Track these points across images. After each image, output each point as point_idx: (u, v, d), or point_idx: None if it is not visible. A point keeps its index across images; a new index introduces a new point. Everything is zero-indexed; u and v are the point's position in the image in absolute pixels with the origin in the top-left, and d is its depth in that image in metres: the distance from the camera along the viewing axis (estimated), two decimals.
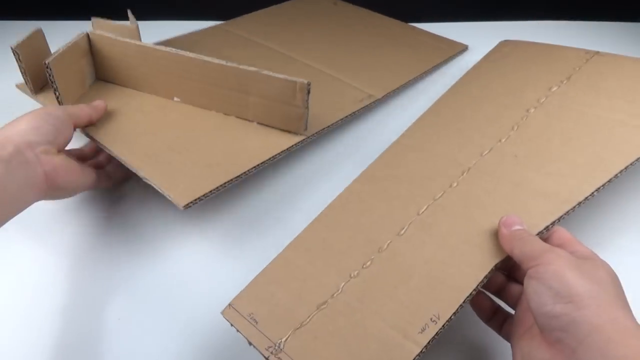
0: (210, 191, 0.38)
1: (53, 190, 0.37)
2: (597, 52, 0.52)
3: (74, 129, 0.41)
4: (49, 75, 0.43)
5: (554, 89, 0.48)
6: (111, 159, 0.44)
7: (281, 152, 0.43)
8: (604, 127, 0.42)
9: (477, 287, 0.32)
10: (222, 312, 0.34)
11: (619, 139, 0.41)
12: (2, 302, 0.38)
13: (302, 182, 0.48)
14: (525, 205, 0.37)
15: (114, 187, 0.47)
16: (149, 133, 0.44)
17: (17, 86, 0.51)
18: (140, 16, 0.56)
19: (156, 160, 0.41)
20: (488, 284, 0.35)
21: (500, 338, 0.33)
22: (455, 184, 0.40)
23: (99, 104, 0.45)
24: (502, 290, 0.35)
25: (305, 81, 0.42)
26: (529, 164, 0.41)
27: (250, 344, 0.32)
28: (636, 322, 0.26)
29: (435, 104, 0.51)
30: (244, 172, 0.41)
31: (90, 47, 0.48)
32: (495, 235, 0.35)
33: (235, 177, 0.40)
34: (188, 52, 0.45)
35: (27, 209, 0.35)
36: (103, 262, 0.41)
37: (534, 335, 0.28)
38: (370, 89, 0.57)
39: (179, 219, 0.44)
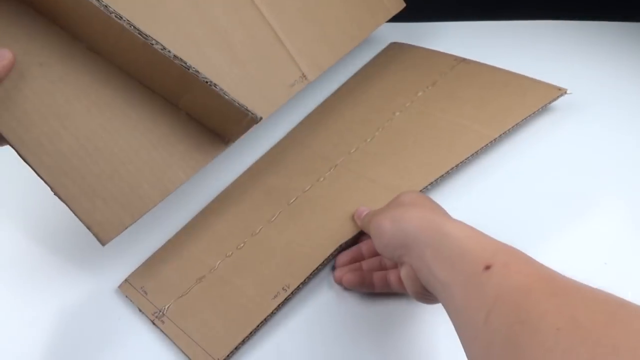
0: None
1: None
2: (464, 59, 0.61)
3: None
4: None
5: (420, 94, 0.57)
6: None
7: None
8: (450, 131, 0.51)
9: (323, 262, 0.41)
10: (119, 287, 0.42)
11: (458, 141, 0.50)
12: None
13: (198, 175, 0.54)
14: (376, 198, 0.46)
15: None
16: (58, 118, 0.39)
17: None
18: None
19: (71, 175, 0.38)
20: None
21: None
22: (322, 179, 0.49)
23: (4, 55, 0.35)
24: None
25: (258, 116, 0.42)
26: (385, 162, 0.49)
27: (140, 310, 0.40)
28: (432, 213, 0.33)
29: (322, 103, 0.59)
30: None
31: None
32: (343, 220, 0.44)
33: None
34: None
35: None
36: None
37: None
38: (306, 67, 0.52)
39: None
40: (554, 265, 0.39)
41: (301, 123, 0.57)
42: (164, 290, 0.41)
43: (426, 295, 0.32)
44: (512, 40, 0.67)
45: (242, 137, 0.44)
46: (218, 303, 0.40)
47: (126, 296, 0.41)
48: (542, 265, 0.27)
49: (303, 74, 0.52)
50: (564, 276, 0.25)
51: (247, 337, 0.38)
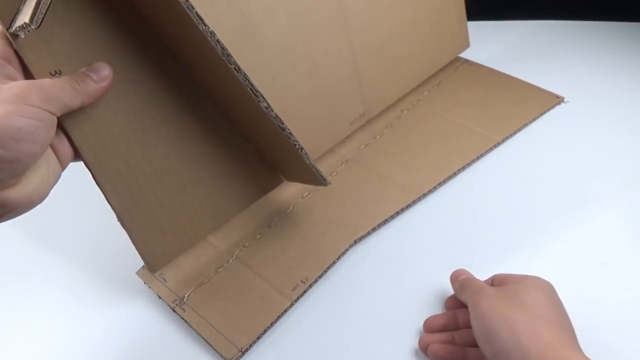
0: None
1: None
2: (467, 61, 0.63)
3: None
4: None
5: (426, 93, 0.59)
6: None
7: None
8: (456, 133, 0.53)
9: (338, 257, 0.43)
10: (137, 272, 0.42)
11: (464, 143, 0.52)
12: None
13: None
14: (388, 196, 0.48)
15: None
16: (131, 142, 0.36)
17: None
18: None
19: (140, 205, 0.37)
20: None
21: None
22: (334, 173, 0.50)
23: (101, 68, 0.32)
24: None
25: (328, 182, 0.41)
26: (395, 159, 0.51)
27: (159, 297, 0.41)
28: (560, 336, 0.30)
29: None
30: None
31: None
32: (357, 216, 0.45)
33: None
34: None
35: None
36: None
37: None
38: (369, 103, 0.52)
39: None
40: (554, 265, 0.42)
41: None
42: (183, 279, 0.42)
43: None
44: (513, 39, 0.69)
45: None
46: (238, 293, 0.41)
47: (144, 282, 0.42)
48: None
49: (364, 112, 0.52)
50: None
51: (267, 327, 0.39)
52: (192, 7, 0.30)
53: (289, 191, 0.48)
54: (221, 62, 0.33)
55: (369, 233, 0.45)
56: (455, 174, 0.50)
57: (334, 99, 0.49)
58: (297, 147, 0.38)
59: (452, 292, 0.38)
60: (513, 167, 0.51)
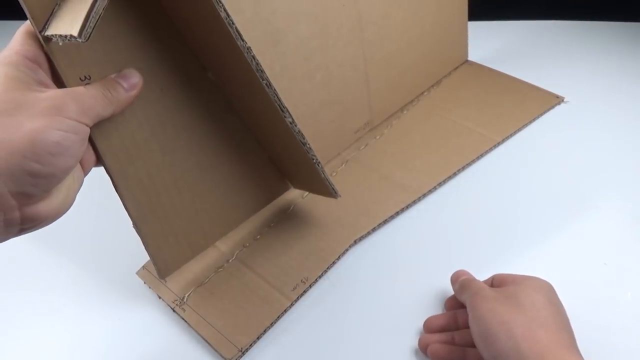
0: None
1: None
2: (467, 61, 0.63)
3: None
4: None
5: (426, 92, 0.59)
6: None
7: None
8: (456, 133, 0.53)
9: (338, 257, 0.43)
10: (137, 273, 0.42)
11: (464, 143, 0.52)
12: None
13: None
14: (389, 196, 0.48)
15: None
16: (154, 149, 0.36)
17: None
18: None
19: (157, 212, 0.37)
20: None
21: None
22: (334, 174, 0.50)
23: (131, 75, 0.31)
24: None
25: (339, 195, 0.41)
26: (396, 159, 0.51)
27: (159, 297, 0.41)
28: (558, 339, 0.30)
29: None
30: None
31: None
32: (358, 215, 0.45)
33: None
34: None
35: None
36: None
37: None
38: (375, 112, 0.53)
39: None
40: (553, 265, 0.42)
41: None
42: (182, 278, 0.42)
43: None
44: (513, 39, 0.69)
45: None
46: (237, 293, 0.41)
47: (144, 283, 0.42)
48: None
49: (369, 120, 0.53)
50: None
51: (267, 327, 0.39)
52: (233, 23, 0.30)
53: (289, 191, 0.48)
54: (253, 75, 0.33)
55: (369, 233, 0.45)
56: (455, 174, 0.50)
57: (344, 108, 0.50)
58: (314, 161, 0.38)
59: (452, 292, 0.38)
60: (513, 167, 0.51)
